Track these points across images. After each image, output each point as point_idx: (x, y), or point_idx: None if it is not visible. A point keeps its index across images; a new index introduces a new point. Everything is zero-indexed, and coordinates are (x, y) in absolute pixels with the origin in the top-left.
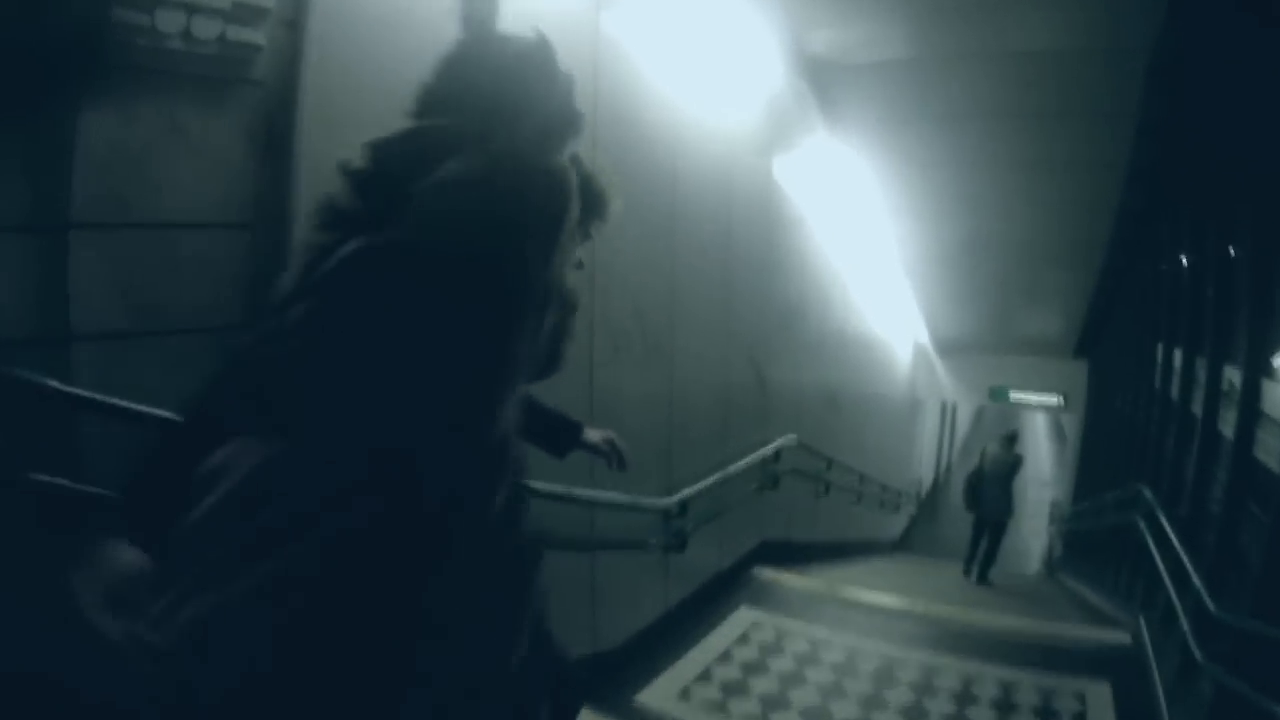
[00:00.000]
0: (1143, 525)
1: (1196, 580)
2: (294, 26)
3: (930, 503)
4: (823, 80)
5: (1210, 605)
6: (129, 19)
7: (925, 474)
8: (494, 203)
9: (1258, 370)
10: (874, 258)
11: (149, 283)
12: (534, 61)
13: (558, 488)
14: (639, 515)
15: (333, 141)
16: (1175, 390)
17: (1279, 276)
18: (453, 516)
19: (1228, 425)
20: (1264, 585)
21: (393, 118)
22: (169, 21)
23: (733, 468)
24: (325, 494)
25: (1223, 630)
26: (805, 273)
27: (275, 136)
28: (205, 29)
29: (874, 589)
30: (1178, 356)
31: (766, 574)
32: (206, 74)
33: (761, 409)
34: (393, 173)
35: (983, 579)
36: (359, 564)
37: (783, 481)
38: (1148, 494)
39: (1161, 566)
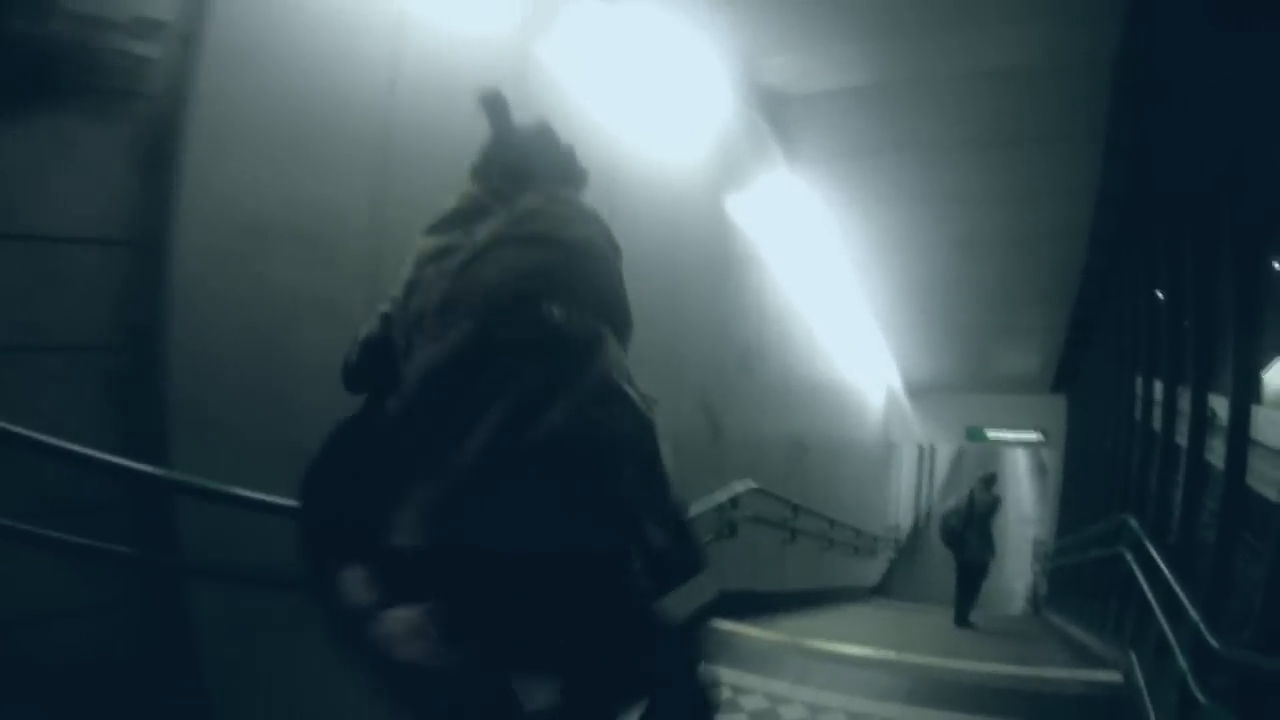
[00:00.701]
0: (1129, 557)
1: (1193, 613)
2: (190, 41)
3: (910, 547)
4: (778, 111)
5: (1211, 639)
6: (22, 29)
7: (904, 518)
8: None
9: (1246, 396)
10: (839, 299)
11: (25, 296)
12: (539, 141)
13: None
14: None
15: (219, 160)
16: (1158, 420)
17: (1263, 297)
18: None
19: (1214, 454)
20: (1267, 616)
21: (282, 139)
22: (62, 32)
23: None
24: None
25: (1225, 666)
26: (765, 314)
27: (161, 152)
28: (100, 41)
29: (843, 638)
30: (1158, 386)
31: (725, 627)
32: (98, 86)
33: (716, 455)
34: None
35: (964, 621)
36: None
37: (743, 529)
38: (1133, 524)
39: (1152, 599)
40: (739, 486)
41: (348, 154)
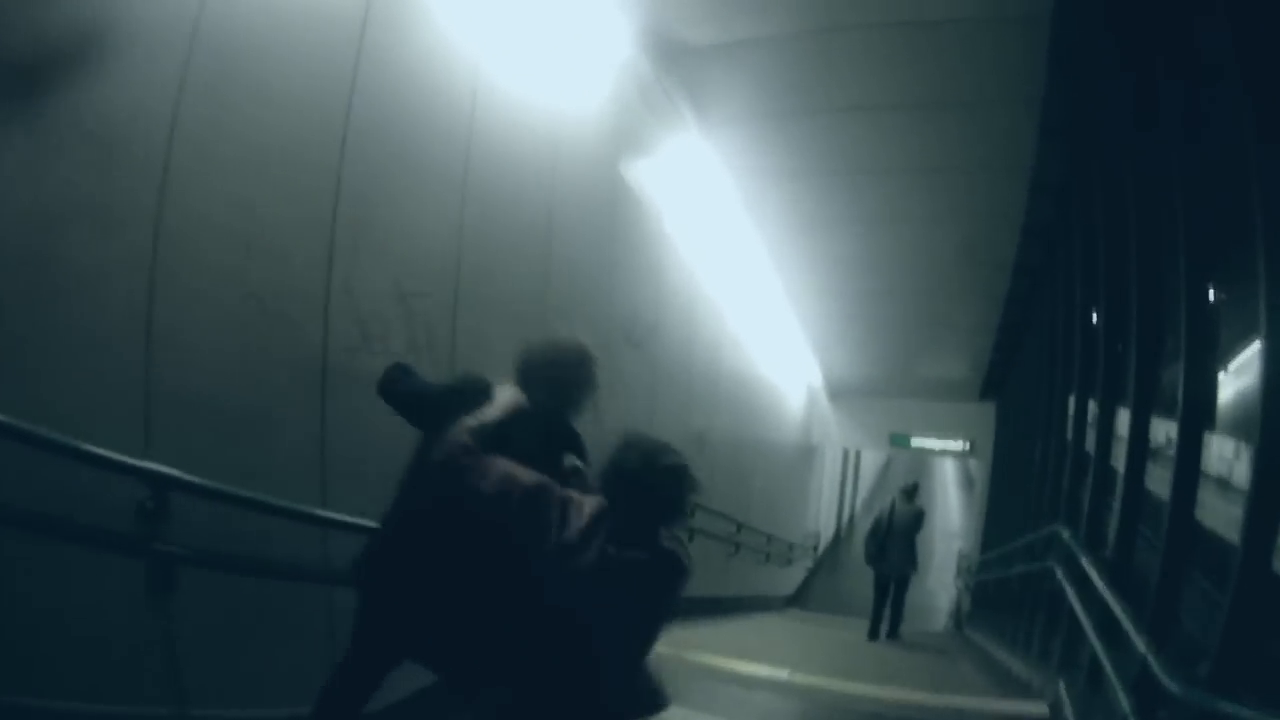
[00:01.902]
0: (1059, 572)
1: (1139, 642)
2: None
3: (831, 556)
4: (684, 64)
5: (1164, 678)
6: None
7: (824, 525)
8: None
9: (1197, 424)
10: (753, 283)
11: None
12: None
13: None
14: None
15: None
16: (1091, 441)
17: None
18: None
19: (1155, 481)
20: (1229, 651)
21: None
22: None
23: None
24: None
25: (1172, 704)
26: (662, 289)
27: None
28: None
29: (737, 654)
30: (1092, 405)
31: None
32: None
33: (593, 438)
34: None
35: (893, 635)
36: None
37: None
38: (1065, 535)
39: (1086, 621)
40: None
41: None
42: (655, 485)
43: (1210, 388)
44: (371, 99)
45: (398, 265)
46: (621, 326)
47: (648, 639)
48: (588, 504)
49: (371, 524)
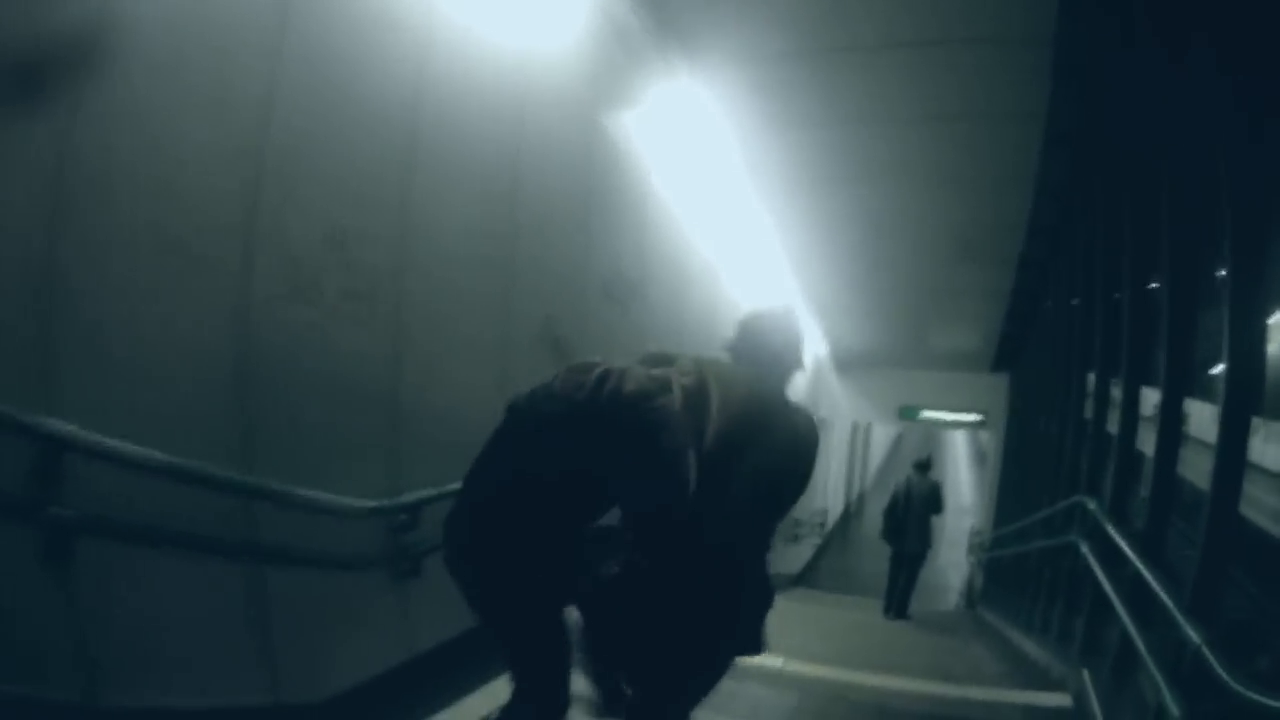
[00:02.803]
0: (1084, 548)
1: (1190, 630)
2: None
3: (840, 533)
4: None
5: (1221, 671)
6: None
7: (833, 502)
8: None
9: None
10: (751, 242)
11: None
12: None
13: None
14: (357, 524)
15: None
16: (1115, 416)
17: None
18: None
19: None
20: None
21: None
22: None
23: None
24: None
25: (1225, 699)
26: (648, 248)
27: None
28: None
29: None
30: (1117, 384)
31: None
32: None
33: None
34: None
35: (901, 614)
36: None
37: None
38: (1091, 506)
39: (1116, 601)
40: None
41: None
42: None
43: (1258, 361)
44: (308, 24)
45: (333, 208)
46: (601, 282)
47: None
48: None
49: (309, 493)
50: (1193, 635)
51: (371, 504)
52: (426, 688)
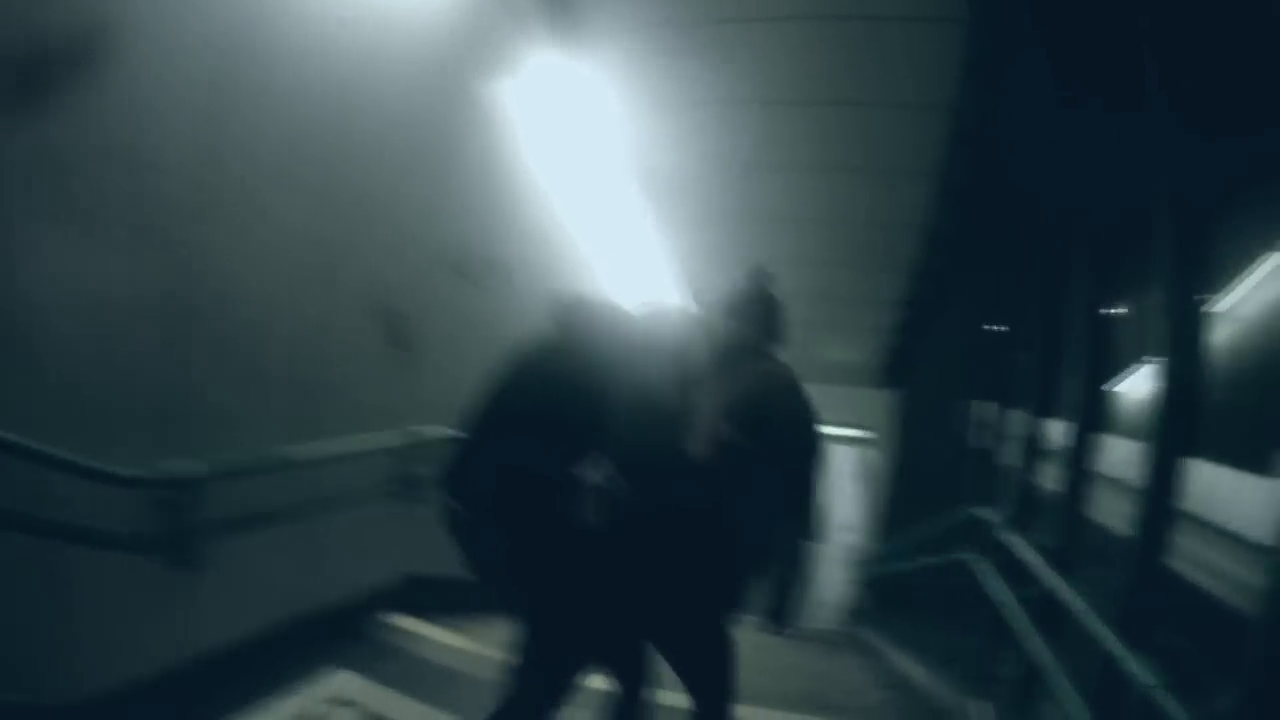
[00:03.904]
0: (977, 563)
1: (1140, 672)
2: None
3: None
4: None
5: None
6: None
7: None
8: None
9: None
10: (633, 234)
11: None
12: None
13: None
14: (125, 499)
15: None
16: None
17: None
18: None
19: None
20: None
21: None
22: None
23: (306, 451)
24: None
25: None
26: (514, 226)
27: None
28: None
29: None
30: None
31: (401, 624)
32: None
33: (396, 382)
34: None
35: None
36: None
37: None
38: (988, 516)
39: (1022, 627)
40: (430, 432)
41: None
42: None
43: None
44: None
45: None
46: (451, 257)
47: None
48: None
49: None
50: (1141, 675)
51: (132, 472)
52: (214, 691)
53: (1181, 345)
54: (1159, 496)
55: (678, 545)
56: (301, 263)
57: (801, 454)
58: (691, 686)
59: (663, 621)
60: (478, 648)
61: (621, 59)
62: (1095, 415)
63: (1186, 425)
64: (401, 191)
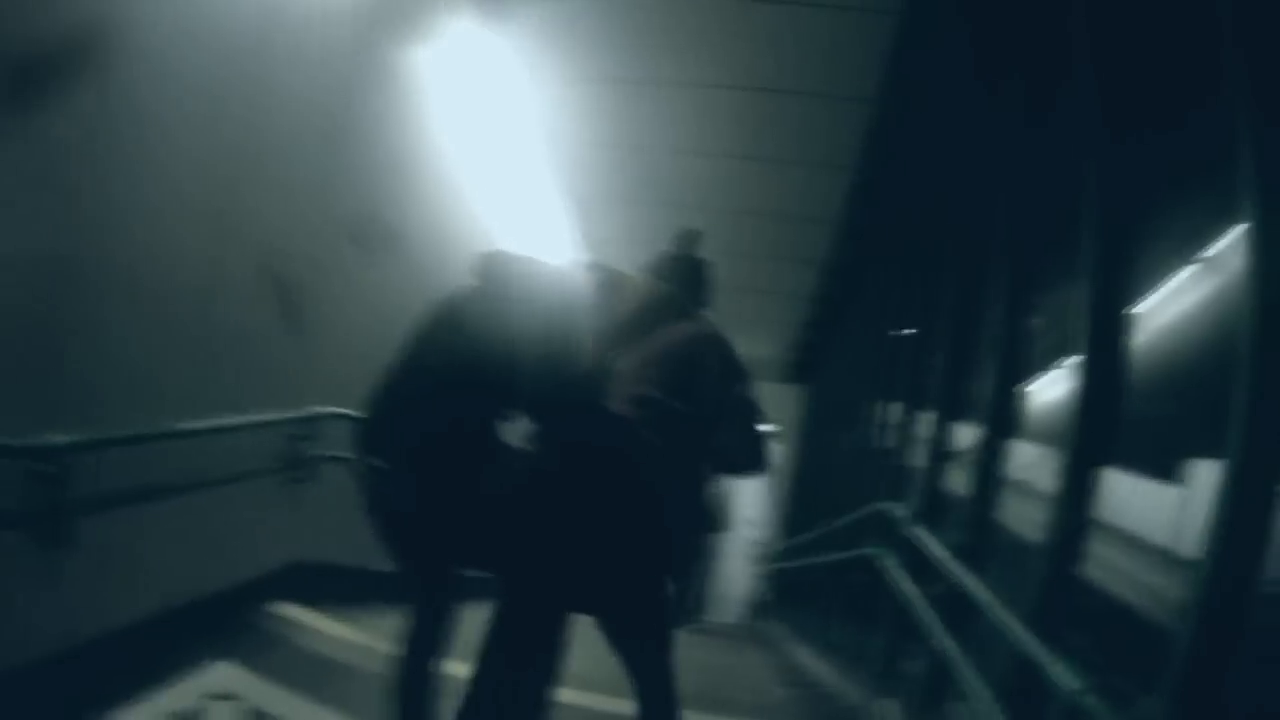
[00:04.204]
0: (884, 559)
1: (1064, 676)
2: None
3: None
4: None
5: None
6: None
7: None
8: None
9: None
10: (544, 214)
11: None
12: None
13: None
14: None
15: None
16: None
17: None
18: None
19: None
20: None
21: None
22: None
23: (191, 425)
24: None
25: None
26: (414, 197)
27: None
28: None
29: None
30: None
31: (288, 613)
32: None
33: (289, 354)
34: None
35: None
36: None
37: (327, 473)
38: (898, 512)
39: (931, 627)
40: (321, 408)
41: None
42: None
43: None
44: None
45: None
46: (347, 224)
47: None
48: None
49: None
50: (1065, 680)
51: None
52: (84, 684)
53: (1100, 350)
54: (1074, 501)
55: (603, 504)
56: (190, 221)
57: (731, 414)
58: (634, 670)
59: (593, 587)
60: (367, 640)
61: (536, 32)
62: (1006, 418)
63: (1103, 431)
64: (299, 155)
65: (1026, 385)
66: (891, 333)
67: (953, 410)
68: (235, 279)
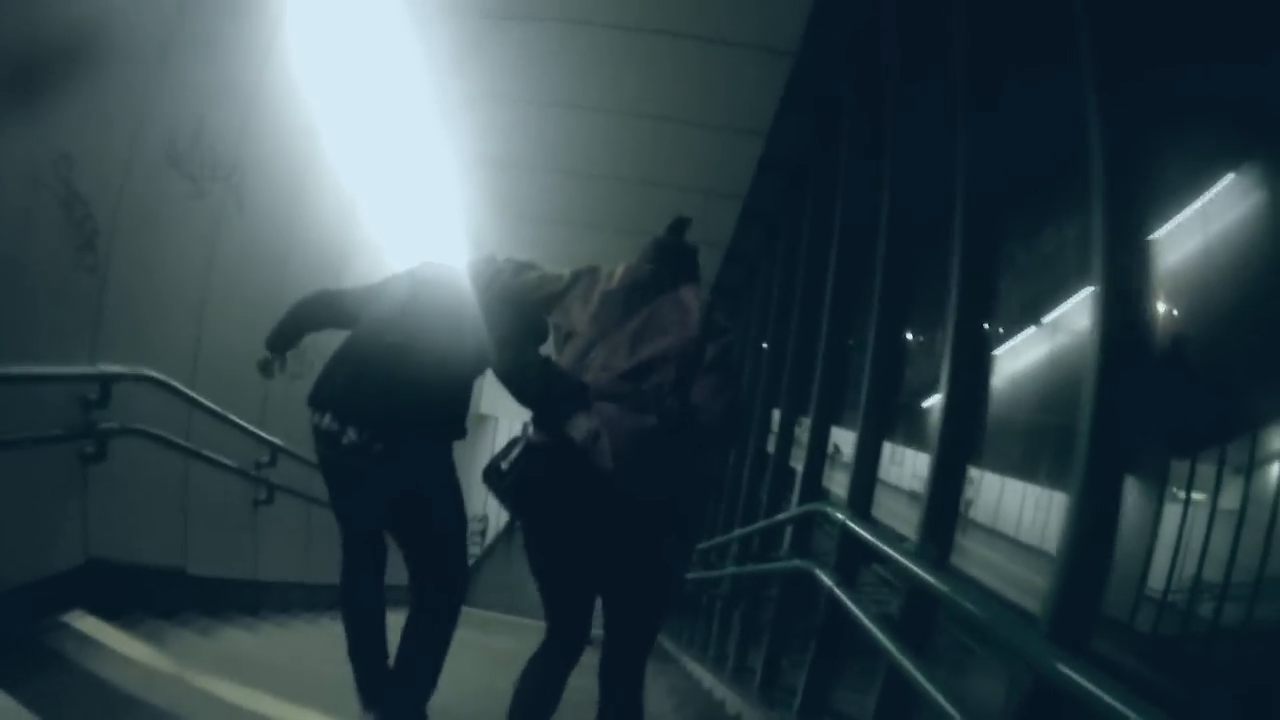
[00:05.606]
0: (828, 577)
1: None
2: None
3: (507, 545)
4: None
5: None
6: None
7: (497, 510)
8: None
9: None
10: (423, 179)
11: None
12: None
13: None
14: None
15: None
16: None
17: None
18: None
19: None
20: None
21: None
22: None
23: None
24: None
25: None
26: (260, 132)
27: None
28: None
29: (293, 682)
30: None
31: (80, 625)
32: None
33: (78, 294)
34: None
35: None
36: None
37: (130, 451)
38: (841, 516)
39: (898, 656)
40: (119, 368)
41: None
42: None
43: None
44: None
45: None
46: (166, 143)
47: None
48: None
49: None
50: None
51: None
52: None
53: (964, 366)
54: (941, 500)
55: (600, 494)
56: None
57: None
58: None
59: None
60: (168, 664)
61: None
62: (881, 425)
63: (967, 437)
64: (109, 59)
65: (902, 395)
66: (774, 348)
67: (830, 417)
68: (13, 166)
